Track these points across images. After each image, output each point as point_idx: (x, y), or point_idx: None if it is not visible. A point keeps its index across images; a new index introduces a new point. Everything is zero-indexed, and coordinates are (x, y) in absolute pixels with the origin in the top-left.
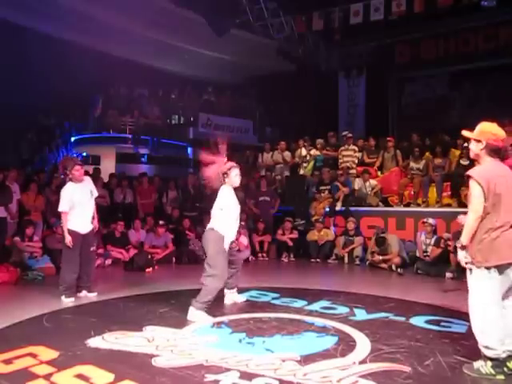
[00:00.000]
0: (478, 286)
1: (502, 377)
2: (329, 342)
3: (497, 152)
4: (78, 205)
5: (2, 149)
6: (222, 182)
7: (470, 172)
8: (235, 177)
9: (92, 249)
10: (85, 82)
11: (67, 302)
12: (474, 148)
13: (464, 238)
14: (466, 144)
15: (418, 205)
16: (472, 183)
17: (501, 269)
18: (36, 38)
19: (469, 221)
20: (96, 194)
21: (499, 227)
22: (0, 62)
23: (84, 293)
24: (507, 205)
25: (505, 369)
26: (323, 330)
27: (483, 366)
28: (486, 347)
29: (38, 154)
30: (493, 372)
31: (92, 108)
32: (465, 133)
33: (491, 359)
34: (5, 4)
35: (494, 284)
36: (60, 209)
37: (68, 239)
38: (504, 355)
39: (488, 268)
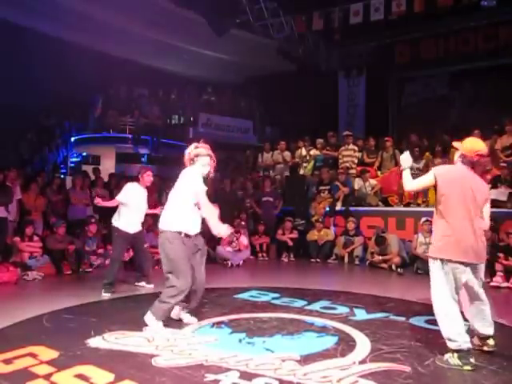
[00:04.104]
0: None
1: (468, 367)
2: (329, 341)
3: (471, 164)
4: (133, 206)
5: (2, 149)
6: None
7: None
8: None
9: (146, 245)
10: (85, 82)
11: (105, 296)
12: (456, 157)
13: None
14: None
15: (418, 205)
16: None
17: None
18: (36, 38)
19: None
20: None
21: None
22: (0, 62)
23: (143, 283)
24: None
25: (471, 359)
26: (323, 329)
27: (451, 358)
28: (449, 339)
29: (37, 154)
30: (460, 363)
31: (92, 108)
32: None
33: (456, 351)
34: (5, 4)
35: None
36: (117, 197)
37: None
38: (465, 346)
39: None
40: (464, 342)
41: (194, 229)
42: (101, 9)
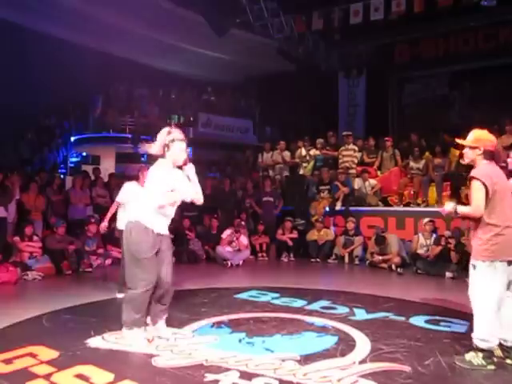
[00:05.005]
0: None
1: (492, 367)
2: (329, 341)
3: (492, 156)
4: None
5: (2, 149)
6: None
7: (472, 173)
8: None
9: None
10: (85, 82)
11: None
12: (471, 154)
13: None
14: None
15: (418, 204)
16: (475, 182)
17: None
18: (36, 37)
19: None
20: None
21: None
22: (0, 61)
23: None
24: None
25: (494, 358)
26: (323, 329)
27: (475, 358)
28: (483, 340)
29: (37, 154)
30: (484, 363)
31: (92, 108)
32: (460, 141)
33: (483, 350)
34: (4, 4)
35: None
36: (116, 199)
37: None
38: (495, 346)
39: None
40: (494, 343)
41: (161, 227)
42: (101, 9)
